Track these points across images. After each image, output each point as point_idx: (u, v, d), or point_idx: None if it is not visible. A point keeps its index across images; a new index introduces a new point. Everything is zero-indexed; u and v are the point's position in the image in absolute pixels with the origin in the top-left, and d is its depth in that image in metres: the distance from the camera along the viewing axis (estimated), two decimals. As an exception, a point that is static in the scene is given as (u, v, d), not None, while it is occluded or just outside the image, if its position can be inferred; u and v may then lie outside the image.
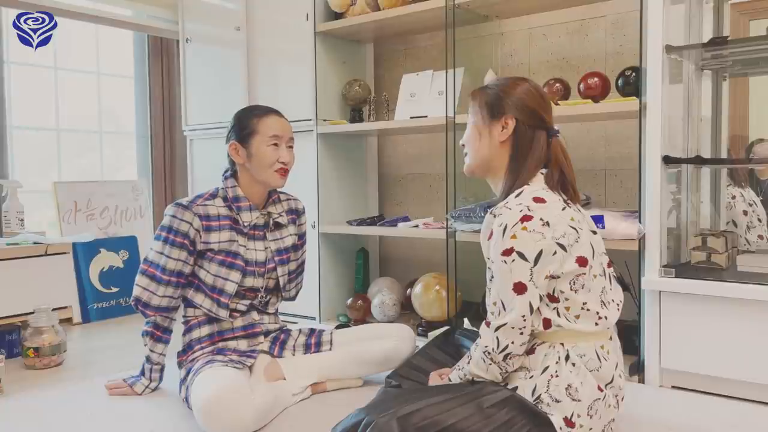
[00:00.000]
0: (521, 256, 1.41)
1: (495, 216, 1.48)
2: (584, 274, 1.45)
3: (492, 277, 1.47)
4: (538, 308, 1.44)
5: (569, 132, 1.69)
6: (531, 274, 1.41)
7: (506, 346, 1.44)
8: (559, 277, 1.43)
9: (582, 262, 1.44)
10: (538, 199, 1.45)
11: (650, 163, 2.04)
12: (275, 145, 1.93)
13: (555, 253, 1.42)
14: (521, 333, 1.43)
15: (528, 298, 1.41)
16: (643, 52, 2.06)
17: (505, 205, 1.47)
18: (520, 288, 1.41)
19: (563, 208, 1.48)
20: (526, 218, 1.41)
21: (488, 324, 1.47)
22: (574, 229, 1.46)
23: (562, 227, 1.44)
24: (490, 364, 1.47)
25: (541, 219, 1.42)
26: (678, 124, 2.22)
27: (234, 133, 1.95)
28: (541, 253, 1.41)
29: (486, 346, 1.46)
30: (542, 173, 1.55)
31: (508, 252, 1.41)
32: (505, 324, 1.43)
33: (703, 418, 1.79)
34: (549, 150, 1.55)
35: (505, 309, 1.44)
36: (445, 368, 1.77)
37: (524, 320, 1.42)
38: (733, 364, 1.92)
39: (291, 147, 1.98)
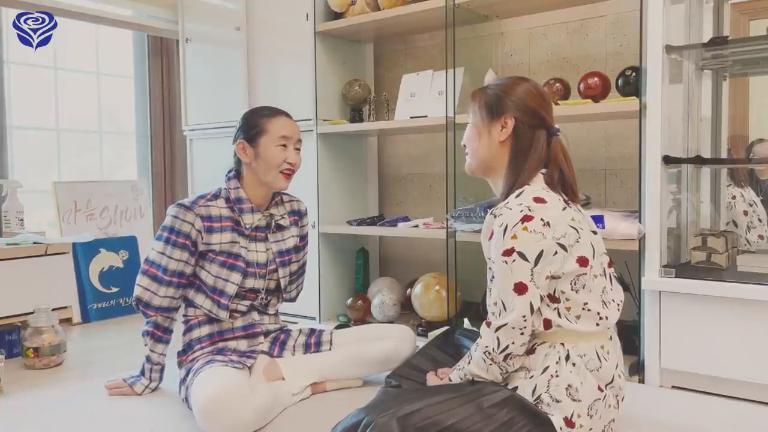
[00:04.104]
0: (522, 256, 1.41)
1: (495, 216, 1.48)
2: (585, 274, 1.45)
3: (492, 277, 1.47)
4: (539, 308, 1.44)
5: (569, 132, 1.69)
6: (532, 275, 1.41)
7: (507, 347, 1.44)
8: (559, 278, 1.43)
9: (583, 262, 1.44)
10: (538, 200, 1.45)
11: (650, 163, 2.04)
12: (283, 146, 1.93)
13: (556, 253, 1.42)
14: (522, 333, 1.43)
15: (529, 298, 1.42)
16: (643, 52, 2.06)
17: (505, 205, 1.47)
18: (520, 288, 1.41)
19: (564, 208, 1.48)
20: (526, 218, 1.41)
21: (489, 324, 1.47)
22: (575, 229, 1.46)
23: (563, 227, 1.44)
24: (491, 364, 1.47)
25: (541, 219, 1.42)
26: (678, 124, 2.22)
27: (242, 131, 1.95)
28: (541, 253, 1.41)
29: (486, 347, 1.47)
30: (542, 173, 1.55)
31: (508, 252, 1.42)
32: (505, 324, 1.43)
33: (703, 418, 1.79)
34: (549, 150, 1.55)
35: (505, 309, 1.44)
36: (444, 368, 1.77)
37: (525, 320, 1.42)
38: (733, 364, 1.92)
39: (298, 149, 1.98)
